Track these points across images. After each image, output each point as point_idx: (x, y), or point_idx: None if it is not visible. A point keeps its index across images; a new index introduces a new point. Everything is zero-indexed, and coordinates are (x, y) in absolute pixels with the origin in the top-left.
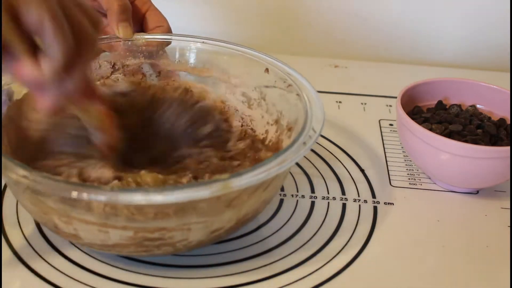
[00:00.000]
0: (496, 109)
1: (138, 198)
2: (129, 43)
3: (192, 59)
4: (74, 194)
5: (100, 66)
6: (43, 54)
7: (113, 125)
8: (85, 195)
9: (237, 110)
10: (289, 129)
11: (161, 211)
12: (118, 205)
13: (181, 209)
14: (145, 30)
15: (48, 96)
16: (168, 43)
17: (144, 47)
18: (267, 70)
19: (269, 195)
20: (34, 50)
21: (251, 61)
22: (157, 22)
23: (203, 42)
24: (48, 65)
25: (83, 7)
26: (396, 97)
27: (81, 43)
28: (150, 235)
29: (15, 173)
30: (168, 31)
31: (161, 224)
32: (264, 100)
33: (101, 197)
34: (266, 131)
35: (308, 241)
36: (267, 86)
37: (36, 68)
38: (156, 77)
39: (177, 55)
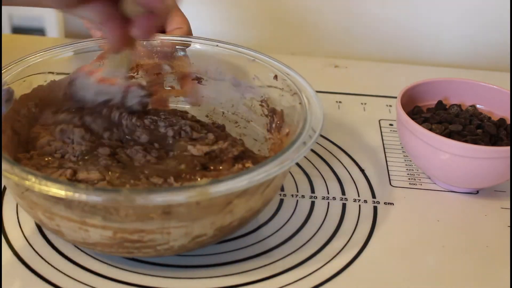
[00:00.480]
0: (496, 109)
1: (117, 199)
2: (144, 43)
3: (204, 62)
4: (44, 189)
5: None
6: None
7: None
8: (56, 192)
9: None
10: (287, 134)
11: (140, 212)
12: (96, 204)
13: (162, 212)
14: (166, 31)
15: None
16: (187, 45)
17: (159, 48)
18: (276, 76)
19: (257, 204)
20: None
21: (259, 65)
22: (177, 23)
23: (216, 45)
24: None
25: None
26: (396, 97)
27: None
28: (129, 236)
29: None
30: (188, 33)
31: (140, 226)
32: (267, 104)
33: (75, 195)
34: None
35: (308, 241)
36: (269, 86)
37: None
38: (173, 80)
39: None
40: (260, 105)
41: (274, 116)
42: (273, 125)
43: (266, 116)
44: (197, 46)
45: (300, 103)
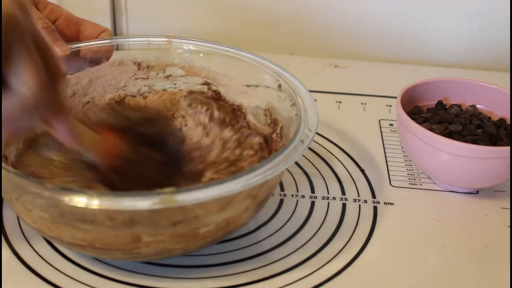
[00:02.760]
0: (496, 109)
1: (78, 200)
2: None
3: (211, 65)
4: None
5: None
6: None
7: (109, 147)
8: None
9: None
10: (280, 136)
11: (108, 216)
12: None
13: (129, 218)
14: (85, 39)
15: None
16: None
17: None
18: (279, 86)
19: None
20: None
21: (254, 67)
22: (98, 29)
23: (227, 51)
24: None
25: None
26: (396, 97)
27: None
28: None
29: None
30: (110, 33)
31: (109, 230)
32: (270, 113)
33: (44, 193)
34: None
35: (308, 241)
36: (257, 85)
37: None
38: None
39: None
40: (264, 114)
41: (275, 127)
42: (273, 136)
43: (269, 125)
44: (207, 50)
45: (296, 115)
